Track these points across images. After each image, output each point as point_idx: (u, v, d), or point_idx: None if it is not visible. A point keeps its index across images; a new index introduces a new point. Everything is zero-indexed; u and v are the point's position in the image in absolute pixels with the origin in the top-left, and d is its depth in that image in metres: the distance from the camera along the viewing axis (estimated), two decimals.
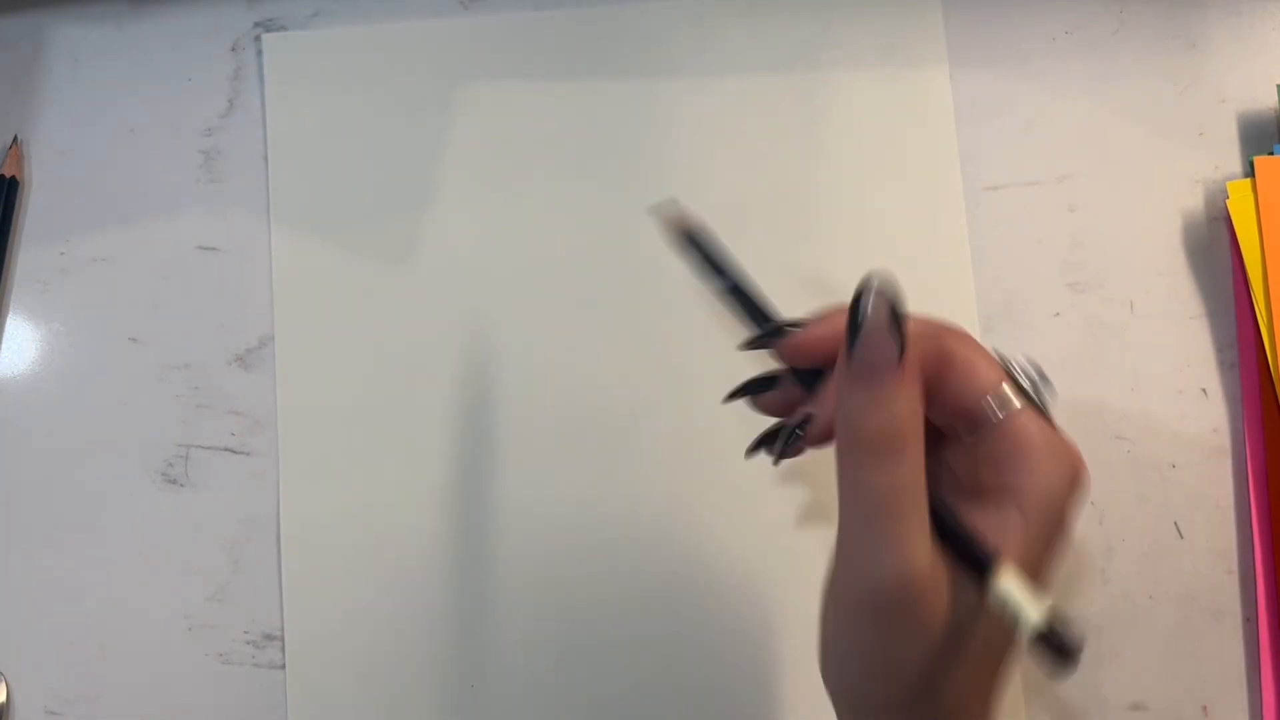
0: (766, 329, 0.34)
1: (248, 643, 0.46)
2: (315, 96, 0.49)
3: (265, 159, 0.48)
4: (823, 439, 0.33)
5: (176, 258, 0.48)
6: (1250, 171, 0.48)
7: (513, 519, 0.47)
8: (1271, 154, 0.48)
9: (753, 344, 0.34)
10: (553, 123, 0.49)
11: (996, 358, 0.32)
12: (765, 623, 0.46)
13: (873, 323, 0.29)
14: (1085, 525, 0.47)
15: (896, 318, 0.29)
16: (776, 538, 0.47)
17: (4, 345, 0.48)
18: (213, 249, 0.48)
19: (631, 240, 0.48)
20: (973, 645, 0.31)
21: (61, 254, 0.48)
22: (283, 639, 0.46)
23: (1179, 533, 0.47)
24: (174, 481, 0.47)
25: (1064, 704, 0.46)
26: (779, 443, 0.34)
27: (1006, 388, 0.31)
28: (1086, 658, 0.46)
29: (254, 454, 0.47)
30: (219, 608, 0.46)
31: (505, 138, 0.49)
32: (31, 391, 0.47)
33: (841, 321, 0.30)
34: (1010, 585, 0.29)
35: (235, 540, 0.47)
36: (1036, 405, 0.32)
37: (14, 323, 0.48)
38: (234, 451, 0.47)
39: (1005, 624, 0.30)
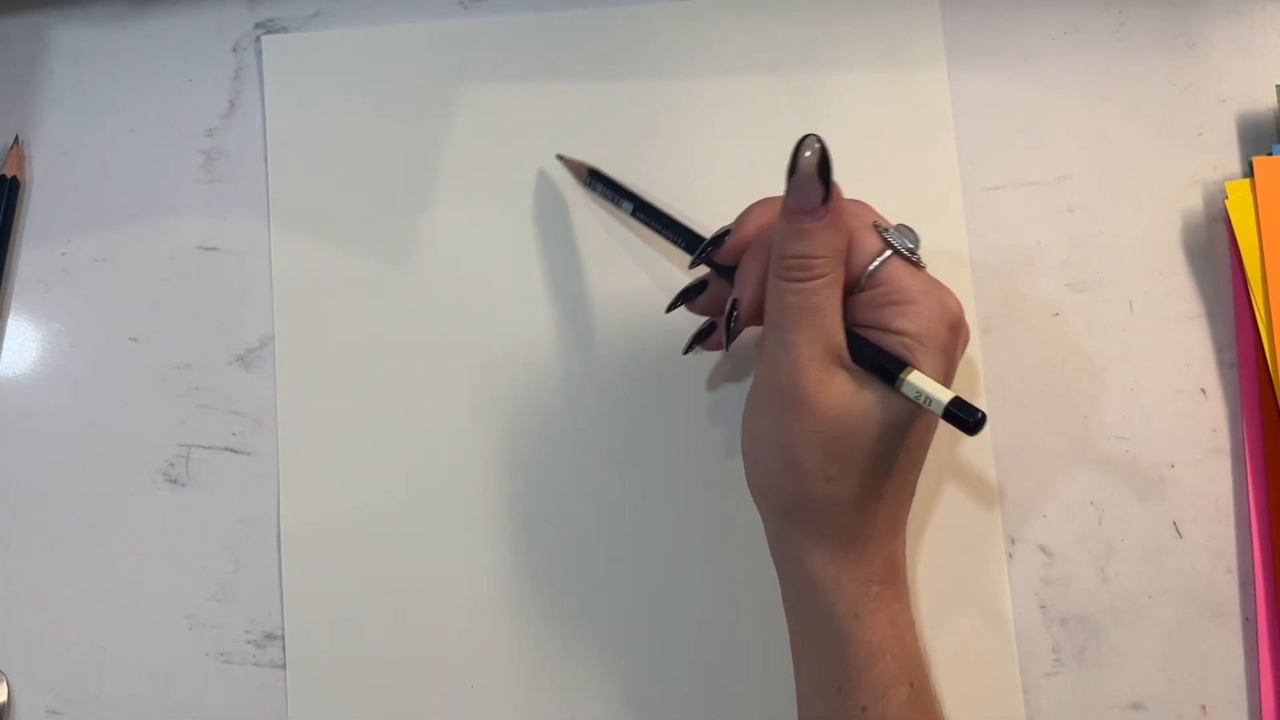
0: (708, 243, 0.42)
1: (249, 642, 0.46)
2: (315, 98, 0.49)
3: (266, 160, 0.49)
4: (750, 316, 0.40)
5: (177, 258, 0.48)
6: (1249, 172, 0.48)
7: (512, 519, 0.47)
8: (1270, 154, 0.48)
9: (698, 257, 0.42)
10: (553, 123, 0.49)
11: (877, 230, 0.39)
12: (766, 623, 0.46)
13: (803, 171, 0.36)
14: (1085, 525, 0.47)
15: (824, 171, 0.36)
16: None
17: (5, 345, 0.48)
18: (213, 249, 0.48)
19: (631, 240, 0.48)
20: (865, 448, 0.37)
21: (62, 254, 0.48)
22: (283, 639, 0.46)
23: (1178, 532, 0.47)
24: (175, 481, 0.47)
25: (1063, 703, 0.46)
26: (722, 329, 0.41)
27: (885, 250, 0.38)
28: (1086, 657, 0.46)
29: (255, 454, 0.47)
30: (220, 607, 0.46)
31: (505, 138, 0.49)
32: (32, 391, 0.47)
33: (758, 214, 0.41)
34: (919, 379, 0.36)
35: (236, 540, 0.47)
36: (907, 259, 0.38)
37: (15, 323, 0.48)
38: (235, 451, 0.47)
39: (903, 419, 0.37)
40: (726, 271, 0.42)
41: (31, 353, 0.48)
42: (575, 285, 0.48)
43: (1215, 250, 0.49)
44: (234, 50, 0.49)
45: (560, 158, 0.48)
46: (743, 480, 0.47)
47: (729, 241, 0.41)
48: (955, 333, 0.38)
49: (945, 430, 0.47)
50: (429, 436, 0.47)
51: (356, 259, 0.48)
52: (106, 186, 0.49)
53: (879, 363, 0.37)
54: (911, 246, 0.39)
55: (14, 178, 0.48)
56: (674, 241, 0.44)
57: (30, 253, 0.48)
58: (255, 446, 0.47)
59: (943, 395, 0.36)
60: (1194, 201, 0.49)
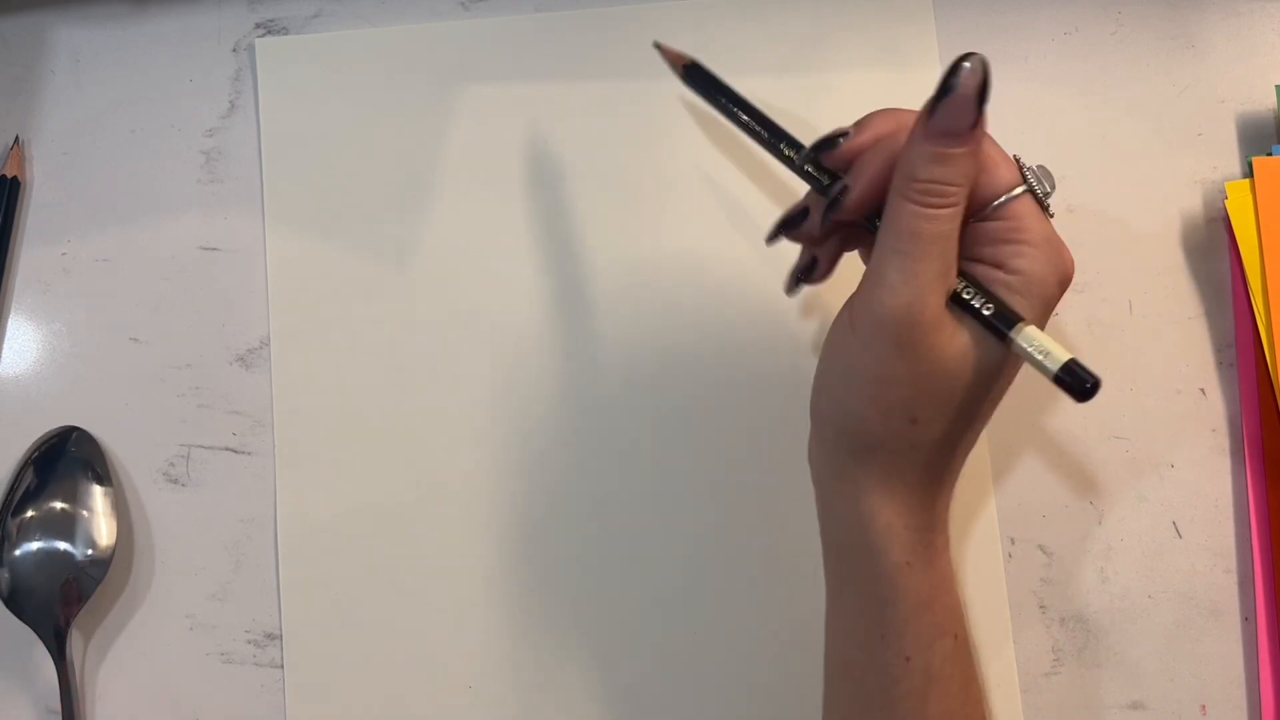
0: (819, 143, 0.38)
1: (249, 642, 0.46)
2: (311, 100, 0.49)
3: (260, 163, 0.49)
4: (856, 208, 0.37)
5: (178, 258, 0.48)
6: (1249, 172, 0.48)
7: (510, 519, 0.47)
8: (1270, 155, 0.48)
9: (807, 155, 0.39)
10: (552, 124, 0.49)
11: (1015, 161, 0.36)
12: (768, 623, 0.46)
13: (964, 90, 0.34)
14: (1084, 525, 0.47)
15: (983, 93, 0.34)
16: (779, 539, 0.47)
17: (6, 345, 0.48)
18: (214, 249, 0.48)
19: (631, 240, 0.48)
20: (957, 394, 0.35)
21: (63, 254, 0.48)
22: (282, 639, 0.46)
23: (1177, 532, 0.47)
24: (175, 481, 0.47)
25: (1063, 703, 0.46)
26: (817, 214, 0.38)
27: (1020, 186, 0.36)
28: (1085, 657, 0.46)
29: (255, 454, 0.47)
30: (220, 607, 0.46)
31: (505, 138, 0.49)
32: (33, 391, 0.47)
33: (879, 123, 0.37)
34: (1037, 334, 0.34)
35: (237, 540, 0.47)
36: (1040, 202, 0.36)
37: (16, 323, 0.48)
38: (235, 451, 0.47)
39: (995, 366, 0.35)
40: (833, 180, 0.38)
41: (32, 353, 0.48)
42: (574, 286, 0.48)
43: (1215, 250, 0.49)
44: (234, 51, 0.49)
45: (657, 45, 0.43)
46: (738, 482, 0.47)
47: (845, 144, 0.38)
48: (1062, 290, 0.36)
49: None
50: (426, 436, 0.47)
51: (353, 260, 0.48)
52: (107, 186, 0.49)
53: (990, 306, 0.35)
54: (1048, 189, 0.37)
55: (14, 178, 0.48)
56: (773, 148, 0.40)
57: (30, 253, 0.48)
58: (255, 446, 0.47)
59: (1059, 354, 0.33)
60: (1193, 201, 0.49)
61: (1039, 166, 0.37)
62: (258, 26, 0.50)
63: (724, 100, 0.41)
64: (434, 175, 0.49)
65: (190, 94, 0.49)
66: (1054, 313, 0.37)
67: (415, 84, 0.49)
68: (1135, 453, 0.48)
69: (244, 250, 0.48)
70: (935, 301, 0.34)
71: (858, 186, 0.37)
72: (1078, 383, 0.33)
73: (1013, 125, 0.49)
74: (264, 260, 0.48)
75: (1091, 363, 0.49)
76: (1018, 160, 0.37)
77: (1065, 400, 0.48)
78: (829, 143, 0.38)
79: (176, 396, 0.47)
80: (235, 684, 0.46)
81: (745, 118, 0.40)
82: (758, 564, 0.47)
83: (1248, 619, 0.47)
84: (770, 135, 0.40)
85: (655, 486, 0.47)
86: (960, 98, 0.34)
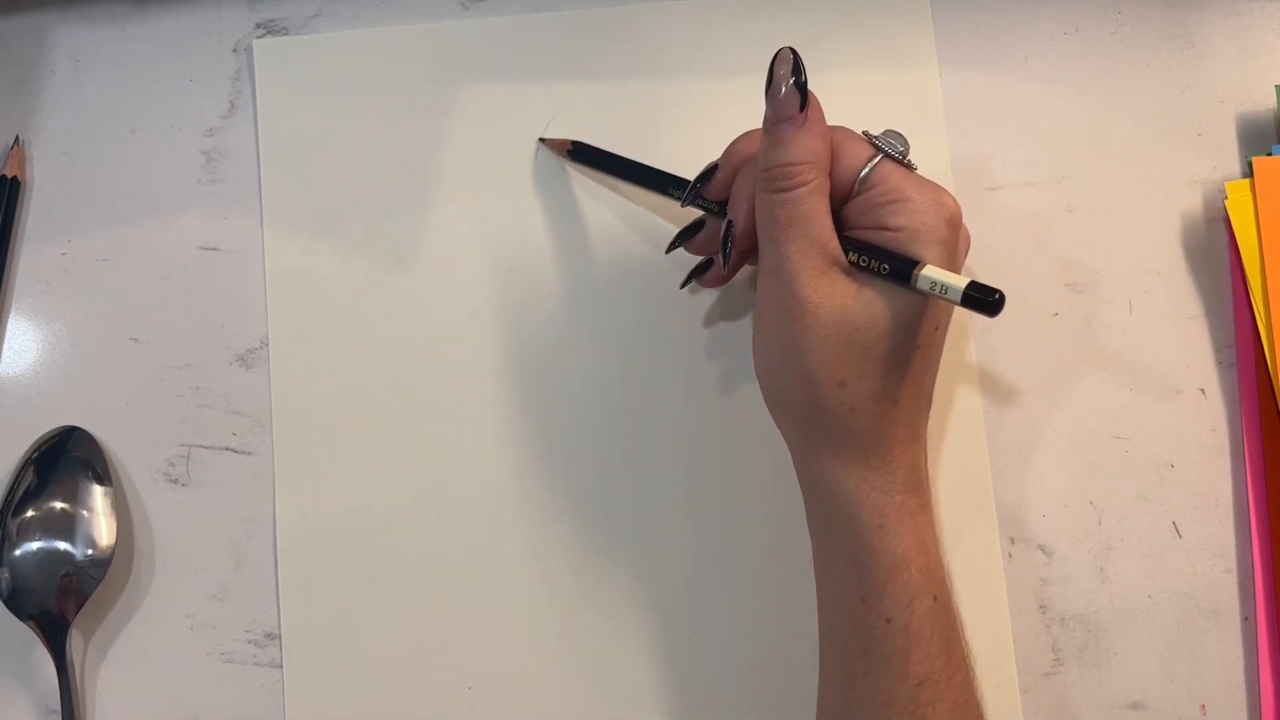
0: (697, 180, 0.43)
1: (249, 641, 0.46)
2: (310, 101, 0.49)
3: (259, 165, 0.49)
4: (745, 237, 0.41)
5: (178, 258, 0.48)
6: (1249, 172, 0.48)
7: (510, 518, 0.47)
8: (1270, 155, 0.48)
9: (689, 195, 0.43)
10: (552, 123, 0.49)
11: (865, 136, 0.40)
12: (769, 623, 0.46)
13: (779, 79, 0.38)
14: (1084, 524, 0.47)
15: (798, 80, 0.38)
16: (784, 538, 0.47)
17: (6, 345, 0.48)
18: (214, 249, 0.48)
19: (630, 241, 0.48)
20: (875, 348, 0.37)
21: (63, 254, 0.48)
22: (281, 638, 0.46)
23: (1177, 532, 0.47)
24: (175, 481, 0.47)
25: (1063, 703, 0.46)
26: (719, 254, 0.42)
27: (875, 155, 0.39)
28: (1085, 657, 0.46)
29: (255, 454, 0.47)
30: (221, 607, 0.46)
31: (505, 138, 0.49)
32: (33, 391, 0.47)
33: (743, 145, 0.42)
34: (933, 270, 0.36)
35: (237, 540, 0.47)
36: (898, 161, 0.39)
37: (16, 323, 0.48)
38: (235, 451, 0.47)
39: (909, 315, 0.37)
40: (720, 208, 0.43)
41: (32, 353, 0.48)
42: (574, 286, 0.48)
43: (1215, 250, 0.49)
44: (234, 51, 0.49)
45: (542, 140, 0.48)
46: (742, 481, 0.47)
47: (718, 174, 0.42)
48: (953, 228, 0.38)
49: (944, 428, 0.47)
50: (426, 436, 0.47)
51: (353, 260, 0.48)
52: (107, 186, 0.49)
53: (885, 262, 0.37)
54: (902, 149, 0.39)
55: (14, 178, 0.48)
56: (666, 192, 0.45)
57: (30, 253, 0.48)
58: (255, 446, 0.47)
59: (958, 282, 0.35)
60: (1193, 201, 0.49)
61: (887, 131, 0.40)
62: (258, 26, 0.50)
63: (610, 165, 0.47)
64: (433, 175, 0.49)
65: (190, 94, 0.49)
66: (966, 257, 0.42)
67: (415, 84, 0.49)
68: (1135, 452, 0.48)
69: (244, 250, 0.48)
70: (813, 273, 0.37)
71: (740, 217, 0.40)
72: (984, 297, 0.35)
73: (1013, 125, 0.49)
74: (263, 260, 0.48)
75: (1092, 362, 0.49)
76: (867, 134, 0.40)
77: (1065, 400, 0.48)
78: (703, 178, 0.43)
79: (176, 396, 0.47)
80: (235, 684, 0.46)
81: (632, 174, 0.46)
82: (761, 563, 0.47)
83: (1248, 619, 0.47)
84: (656, 184, 0.45)
85: (656, 485, 0.47)
86: (777, 86, 0.38)
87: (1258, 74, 0.50)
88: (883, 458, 0.38)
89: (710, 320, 0.48)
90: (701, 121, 0.49)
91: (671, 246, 0.45)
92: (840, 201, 0.39)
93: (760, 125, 0.39)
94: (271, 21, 0.50)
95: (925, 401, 0.40)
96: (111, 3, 0.50)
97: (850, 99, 0.49)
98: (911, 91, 0.49)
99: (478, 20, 0.50)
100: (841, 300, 0.37)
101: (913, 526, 0.38)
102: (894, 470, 0.38)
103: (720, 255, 0.42)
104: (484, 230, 0.48)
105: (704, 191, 0.43)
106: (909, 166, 0.39)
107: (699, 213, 0.44)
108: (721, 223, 0.42)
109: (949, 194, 0.38)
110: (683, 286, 0.46)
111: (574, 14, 0.50)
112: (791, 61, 0.38)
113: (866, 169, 0.38)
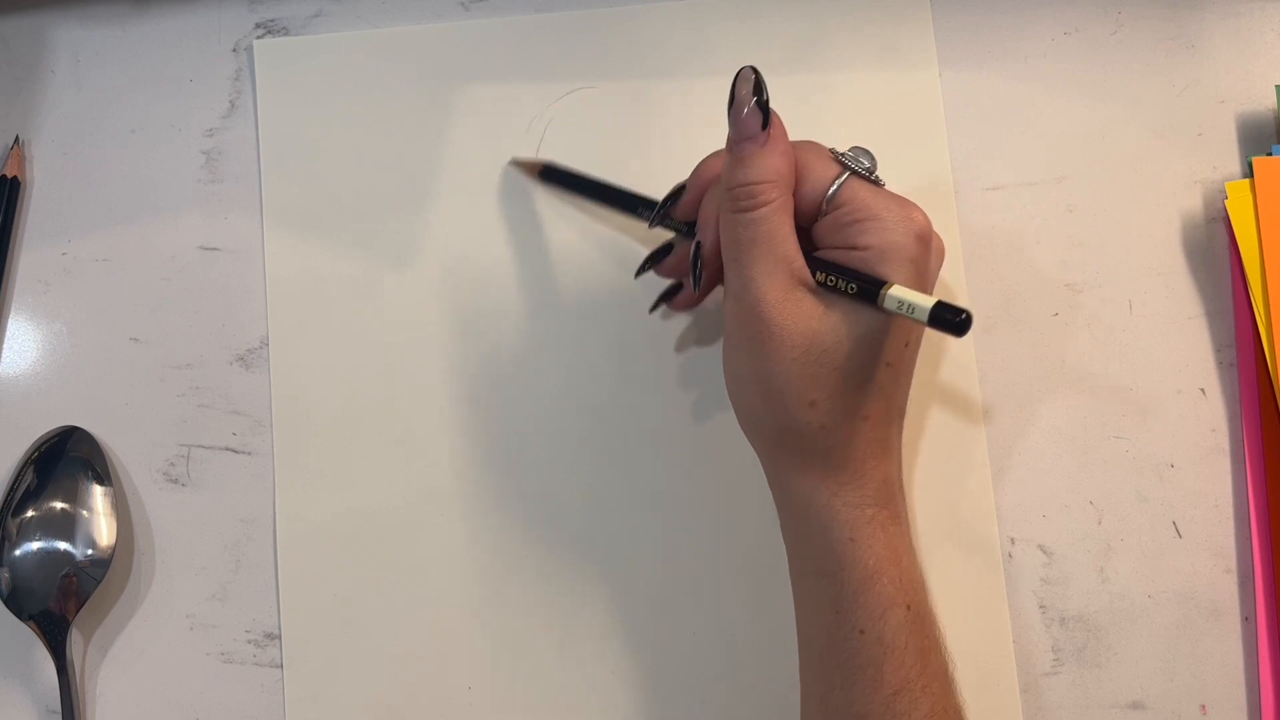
0: (664, 201, 0.43)
1: (249, 642, 0.46)
2: (311, 101, 0.49)
3: (259, 165, 0.49)
4: (714, 258, 0.40)
5: (178, 258, 0.48)
6: (1249, 172, 0.48)
7: (511, 518, 0.47)
8: (1270, 155, 0.48)
9: (657, 216, 0.43)
10: (552, 124, 0.49)
11: (832, 154, 0.39)
12: (768, 624, 0.46)
13: (740, 98, 0.38)
14: (1084, 524, 0.47)
15: (761, 98, 0.37)
16: (778, 540, 0.47)
17: (6, 345, 0.48)
18: (214, 249, 0.48)
19: (630, 241, 0.48)
20: (842, 367, 0.37)
21: (63, 254, 0.48)
22: (281, 638, 0.46)
23: (1177, 532, 0.47)
24: (175, 481, 0.47)
25: (1062, 703, 0.46)
26: (689, 276, 0.42)
27: (842, 173, 0.39)
28: (1085, 657, 0.46)
29: (255, 454, 0.47)
30: (220, 607, 0.46)
31: (505, 139, 0.49)
32: (33, 391, 0.47)
33: (710, 165, 0.41)
34: (900, 290, 0.36)
35: (237, 540, 0.47)
36: (865, 178, 0.39)
37: (16, 323, 0.48)
38: (235, 451, 0.47)
39: (875, 333, 0.37)
40: (689, 229, 0.42)
41: (32, 353, 0.48)
42: (574, 286, 0.48)
43: (1215, 250, 0.49)
44: (234, 51, 0.49)
45: (514, 162, 0.48)
46: (743, 482, 0.47)
47: (685, 195, 0.42)
48: (924, 244, 0.38)
49: (944, 428, 0.47)
50: (425, 436, 0.47)
51: (352, 260, 0.48)
52: (107, 186, 0.49)
53: (853, 282, 0.37)
54: (869, 166, 0.39)
55: (14, 178, 0.48)
56: (636, 213, 0.45)
57: (30, 253, 0.48)
58: (256, 446, 0.47)
59: (925, 302, 0.35)
60: (1193, 201, 0.49)
61: (854, 148, 0.39)
62: (258, 26, 0.50)
63: (581, 187, 0.47)
64: (433, 175, 0.49)
65: (190, 94, 0.49)
66: (939, 270, 0.41)
67: (415, 84, 0.49)
68: (1135, 452, 0.48)
69: (244, 250, 0.48)
70: (778, 294, 0.37)
71: (708, 238, 0.40)
72: (951, 318, 0.34)
73: (1013, 125, 0.49)
74: (263, 260, 0.48)
75: (1092, 362, 0.49)
76: (834, 151, 0.39)
77: (1065, 400, 0.48)
78: (671, 200, 0.43)
79: (176, 396, 0.47)
80: (235, 684, 0.46)
81: (603, 196, 0.46)
82: (758, 565, 0.47)
83: (1248, 619, 0.47)
84: (625, 205, 0.45)
85: (654, 487, 0.47)
86: (739, 106, 0.38)
87: (1258, 74, 0.50)
88: (854, 473, 0.38)
89: (711, 318, 0.48)
90: (701, 122, 0.49)
91: (641, 270, 0.45)
92: (809, 220, 0.39)
93: None
94: (271, 22, 0.50)
95: (897, 415, 0.40)
96: (111, 3, 0.50)
97: (850, 99, 0.49)
98: (911, 91, 0.49)
99: (478, 20, 0.50)
100: (807, 322, 0.37)
101: (885, 539, 0.38)
102: (865, 484, 0.38)
103: (690, 277, 0.42)
104: (484, 230, 0.48)
105: (672, 212, 0.43)
106: (876, 183, 0.39)
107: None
108: (690, 244, 0.42)
109: (918, 209, 0.38)
110: (652, 310, 0.46)
111: (574, 14, 0.50)
112: (754, 81, 0.37)
113: (834, 187, 0.38)
